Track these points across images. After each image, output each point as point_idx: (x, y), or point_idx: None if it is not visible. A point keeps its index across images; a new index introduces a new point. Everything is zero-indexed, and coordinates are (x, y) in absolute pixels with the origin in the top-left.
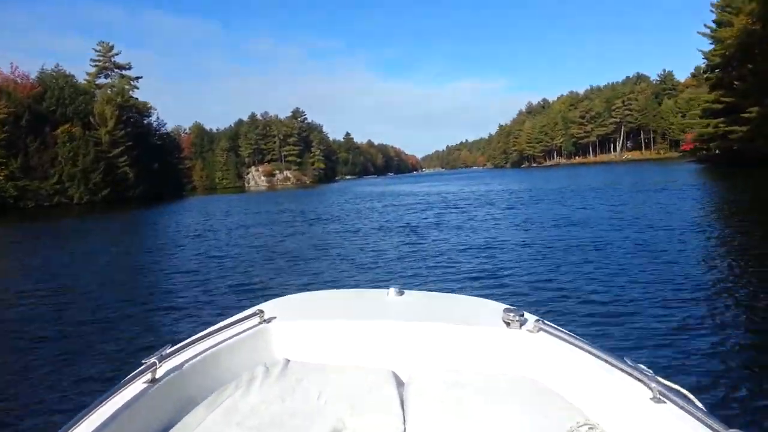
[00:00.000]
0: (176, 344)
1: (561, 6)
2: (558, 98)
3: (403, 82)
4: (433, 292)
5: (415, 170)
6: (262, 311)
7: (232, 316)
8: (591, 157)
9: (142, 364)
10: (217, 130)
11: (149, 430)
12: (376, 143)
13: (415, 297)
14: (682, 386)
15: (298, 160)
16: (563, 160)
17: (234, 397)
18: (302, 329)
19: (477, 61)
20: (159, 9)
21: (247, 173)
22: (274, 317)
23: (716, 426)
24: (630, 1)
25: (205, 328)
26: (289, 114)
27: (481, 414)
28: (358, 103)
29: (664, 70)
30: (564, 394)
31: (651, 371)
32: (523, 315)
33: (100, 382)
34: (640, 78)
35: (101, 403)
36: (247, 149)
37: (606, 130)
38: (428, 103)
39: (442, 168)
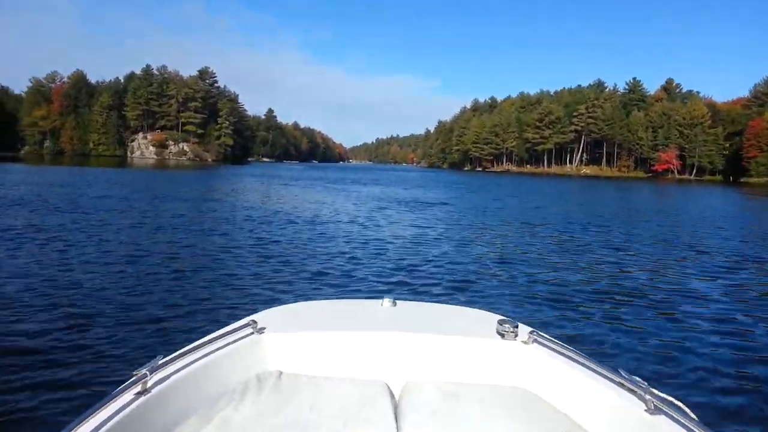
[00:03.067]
0: (168, 355)
1: (500, 12)
2: (507, 99)
3: (335, 66)
4: (428, 303)
5: (342, 160)
6: (255, 322)
7: (224, 327)
8: (544, 168)
9: (133, 376)
10: (101, 82)
11: None
12: (302, 126)
13: (409, 307)
14: (676, 398)
15: (200, 131)
16: (514, 168)
17: (227, 409)
18: (295, 340)
19: (412, 57)
20: None
21: (133, 140)
22: (267, 328)
23: None
24: (579, 11)
25: (197, 339)
26: (195, 73)
27: (475, 426)
28: (286, 81)
29: (633, 79)
30: (559, 406)
31: (645, 383)
32: (517, 326)
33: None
34: (599, 86)
35: (90, 415)
36: (135, 110)
37: (565, 138)
38: (359, 92)
39: (370, 161)
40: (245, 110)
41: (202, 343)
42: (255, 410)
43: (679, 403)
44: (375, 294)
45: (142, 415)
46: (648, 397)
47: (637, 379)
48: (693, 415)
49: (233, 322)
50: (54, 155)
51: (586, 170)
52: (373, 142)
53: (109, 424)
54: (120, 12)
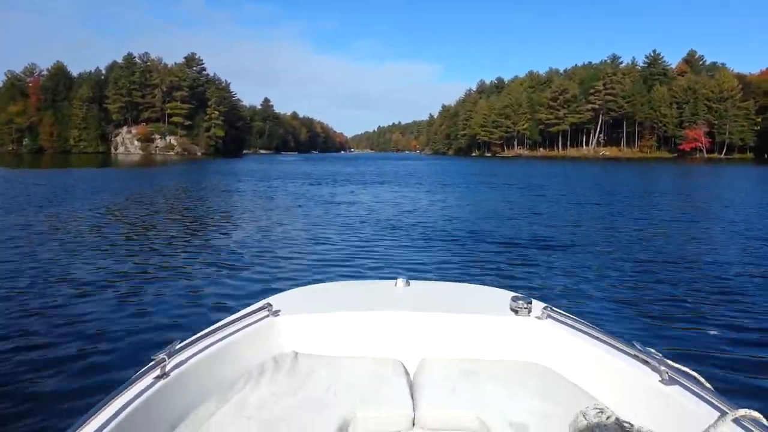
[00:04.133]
0: (185, 339)
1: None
2: (515, 79)
3: (338, 56)
4: (441, 282)
5: (343, 150)
6: (270, 305)
7: (240, 310)
8: (558, 150)
9: (152, 360)
10: (82, 74)
11: (160, 426)
12: (300, 116)
13: (422, 287)
14: (691, 368)
15: (188, 122)
16: (525, 152)
17: (244, 391)
18: (310, 322)
19: (415, 44)
20: None
21: (116, 135)
22: (283, 310)
23: (725, 406)
24: None
25: (214, 323)
26: (181, 60)
27: (491, 401)
28: (287, 72)
29: (653, 51)
30: (573, 379)
31: (660, 354)
32: (531, 302)
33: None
34: (614, 61)
35: (111, 399)
36: (117, 102)
37: (581, 118)
38: (362, 82)
39: (372, 150)
40: (239, 100)
41: (218, 327)
42: (272, 391)
43: (694, 374)
44: None
45: (162, 399)
46: (663, 368)
47: (652, 350)
48: (708, 385)
49: (248, 306)
50: (33, 153)
51: (605, 152)
52: (374, 131)
53: (129, 408)
54: (117, 9)
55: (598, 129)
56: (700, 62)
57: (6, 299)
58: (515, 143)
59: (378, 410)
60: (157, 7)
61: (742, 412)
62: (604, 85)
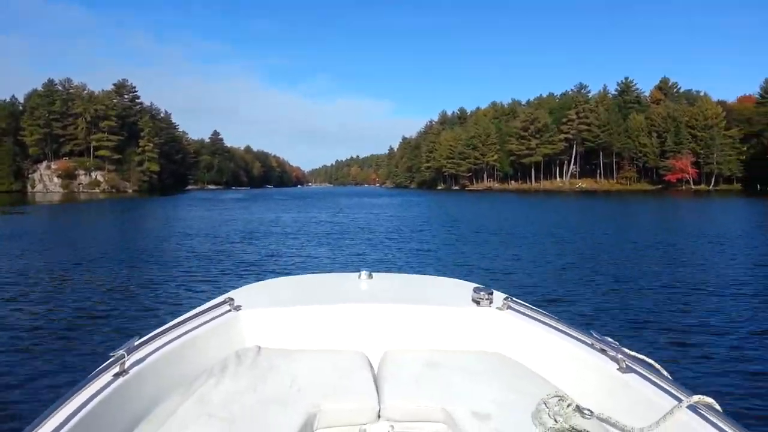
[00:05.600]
0: (145, 335)
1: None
2: (477, 110)
3: (290, 91)
4: (404, 274)
5: (300, 184)
6: (231, 299)
7: (201, 305)
8: (531, 183)
9: (110, 357)
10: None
11: (119, 424)
12: (255, 150)
13: (385, 279)
14: (647, 356)
15: (117, 156)
16: (496, 184)
17: (206, 386)
18: (273, 316)
19: (368, 80)
20: None
21: (33, 171)
22: (245, 304)
23: (681, 393)
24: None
25: (174, 318)
26: (110, 87)
27: (454, 391)
28: (240, 108)
29: (625, 78)
30: (534, 368)
31: (617, 343)
32: (492, 293)
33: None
34: (581, 89)
35: (68, 398)
36: (35, 134)
37: (554, 149)
38: (316, 117)
39: (330, 184)
40: (183, 132)
41: (178, 322)
42: (234, 386)
43: (651, 361)
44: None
45: (121, 396)
46: (620, 356)
47: (609, 339)
48: (665, 372)
49: (210, 300)
50: None
51: (582, 184)
52: (332, 165)
53: (87, 407)
54: (62, 46)
55: (573, 160)
56: (674, 90)
57: None
58: (484, 175)
59: (343, 403)
60: (105, 48)
61: (696, 398)
62: (577, 113)
